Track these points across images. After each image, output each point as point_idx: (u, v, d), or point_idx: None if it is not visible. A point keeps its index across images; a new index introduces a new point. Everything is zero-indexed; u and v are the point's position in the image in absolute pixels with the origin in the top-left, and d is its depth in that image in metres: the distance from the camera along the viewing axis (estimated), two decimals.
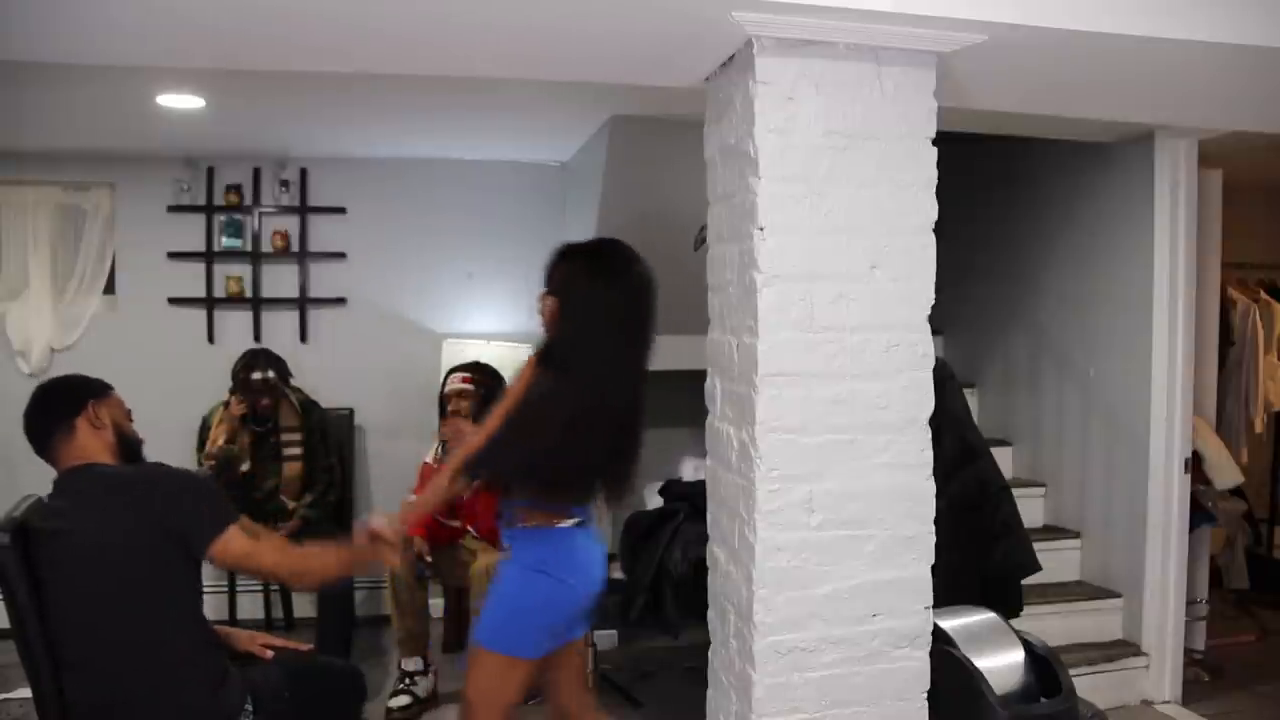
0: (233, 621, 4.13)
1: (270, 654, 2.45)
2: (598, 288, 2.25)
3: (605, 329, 2.23)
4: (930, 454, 2.31)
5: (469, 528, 3.75)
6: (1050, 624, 3.28)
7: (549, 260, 2.31)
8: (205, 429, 4.03)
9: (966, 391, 3.78)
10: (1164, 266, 3.60)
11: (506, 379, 3.86)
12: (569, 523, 2.27)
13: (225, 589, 4.29)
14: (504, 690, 2.25)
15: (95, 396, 2.22)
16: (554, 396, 2.19)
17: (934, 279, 2.31)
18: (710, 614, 2.55)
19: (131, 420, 2.32)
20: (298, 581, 2.29)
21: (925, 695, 2.33)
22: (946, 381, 2.72)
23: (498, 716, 2.26)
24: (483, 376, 3.78)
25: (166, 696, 2.08)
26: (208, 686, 2.14)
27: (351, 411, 4.54)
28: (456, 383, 3.75)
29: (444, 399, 3.79)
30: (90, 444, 2.17)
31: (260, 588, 4.45)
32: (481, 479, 2.38)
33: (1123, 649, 3.70)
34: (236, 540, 2.12)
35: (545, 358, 2.25)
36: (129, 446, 2.25)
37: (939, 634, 2.38)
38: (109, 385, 2.30)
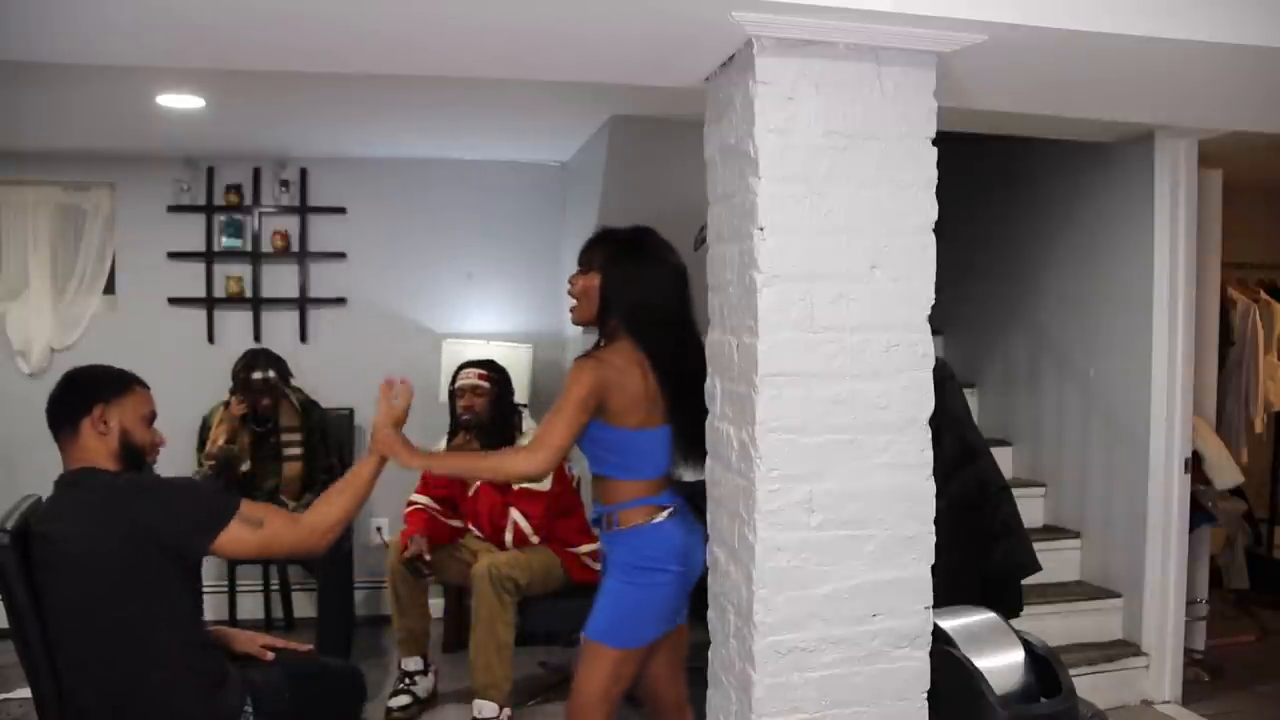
0: (232, 621, 4.13)
1: (271, 655, 2.44)
2: (651, 265, 2.42)
3: (666, 306, 2.41)
4: (930, 454, 2.31)
5: (470, 527, 3.75)
6: (1050, 624, 3.28)
7: (589, 242, 2.48)
8: (205, 429, 4.03)
9: (966, 391, 3.78)
10: (1164, 266, 3.60)
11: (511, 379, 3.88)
12: (664, 515, 2.39)
13: (225, 589, 4.29)
14: (618, 682, 2.38)
15: (106, 399, 2.16)
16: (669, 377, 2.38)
17: (934, 279, 2.31)
18: (710, 614, 2.55)
19: (152, 420, 2.26)
20: (323, 539, 2.22)
21: (925, 695, 2.33)
22: (946, 381, 2.72)
23: (609, 707, 2.38)
24: (497, 375, 3.77)
25: (163, 699, 2.08)
26: (205, 689, 2.13)
27: (351, 411, 4.54)
28: (471, 378, 3.73)
29: (455, 393, 3.77)
30: (92, 447, 2.14)
31: (260, 588, 4.45)
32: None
33: (1123, 649, 3.71)
34: (238, 537, 2.09)
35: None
36: (132, 454, 2.19)
37: (939, 634, 2.37)
38: (128, 384, 2.23)
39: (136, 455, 2.20)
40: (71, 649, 2.07)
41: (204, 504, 2.15)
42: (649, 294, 2.40)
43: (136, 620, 2.05)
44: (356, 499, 2.30)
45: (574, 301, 2.48)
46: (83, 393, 2.17)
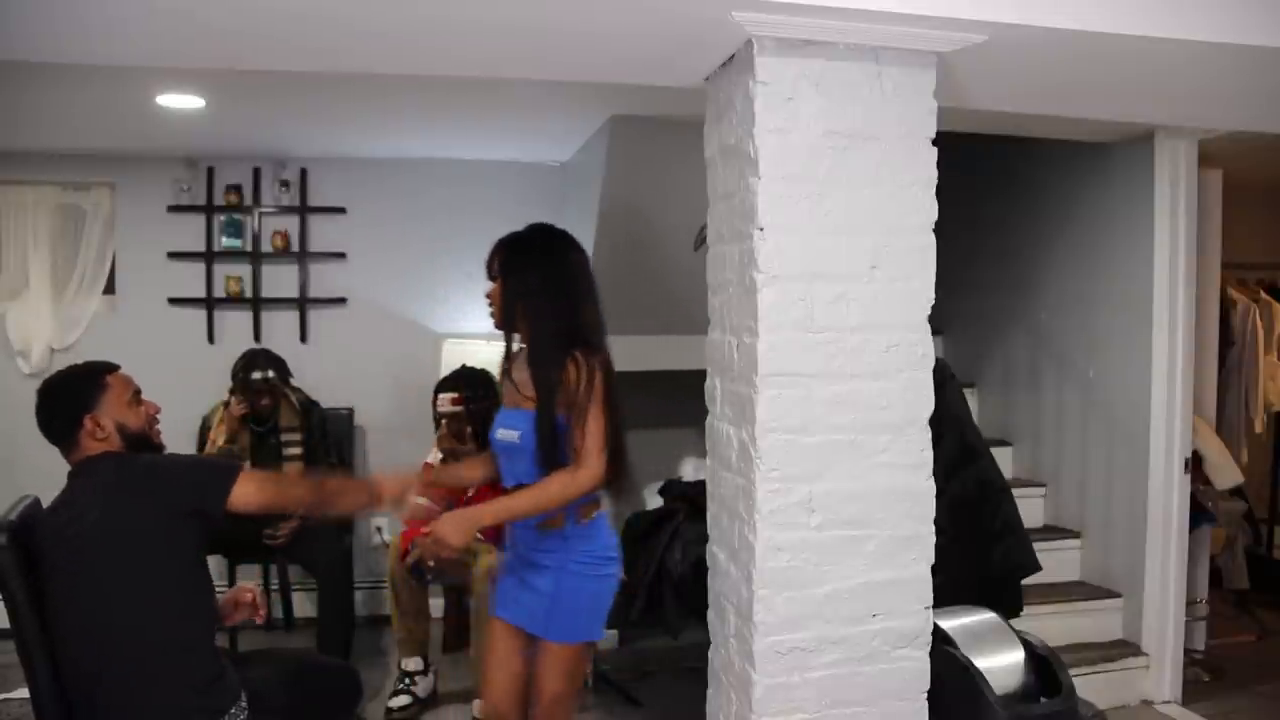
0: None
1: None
2: (569, 260, 2.47)
3: (592, 295, 2.43)
4: (930, 454, 2.31)
5: None
6: (1050, 624, 3.28)
7: (493, 253, 2.57)
8: (205, 429, 4.03)
9: (966, 391, 3.78)
10: (1164, 266, 3.60)
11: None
12: (598, 510, 2.41)
13: (225, 589, 4.28)
14: (583, 671, 2.52)
15: (91, 407, 2.16)
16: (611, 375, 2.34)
17: (934, 279, 2.31)
18: (710, 614, 2.55)
19: (139, 400, 2.26)
20: (325, 506, 2.49)
21: (925, 695, 2.33)
22: (947, 382, 2.72)
23: (577, 697, 2.49)
24: (472, 391, 3.74)
25: (154, 693, 2.08)
26: (198, 684, 2.13)
27: (351, 411, 4.54)
28: (446, 405, 3.70)
29: (437, 418, 3.78)
30: (97, 447, 2.16)
31: (260, 588, 4.44)
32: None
33: (1123, 649, 3.70)
34: (250, 480, 2.17)
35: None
36: (136, 442, 2.21)
37: (939, 634, 2.38)
38: (102, 380, 2.21)
39: (140, 442, 2.22)
40: (72, 639, 2.07)
41: (209, 464, 2.35)
42: (542, 284, 2.46)
43: (141, 606, 2.05)
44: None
45: (490, 308, 2.61)
46: (67, 409, 2.16)
